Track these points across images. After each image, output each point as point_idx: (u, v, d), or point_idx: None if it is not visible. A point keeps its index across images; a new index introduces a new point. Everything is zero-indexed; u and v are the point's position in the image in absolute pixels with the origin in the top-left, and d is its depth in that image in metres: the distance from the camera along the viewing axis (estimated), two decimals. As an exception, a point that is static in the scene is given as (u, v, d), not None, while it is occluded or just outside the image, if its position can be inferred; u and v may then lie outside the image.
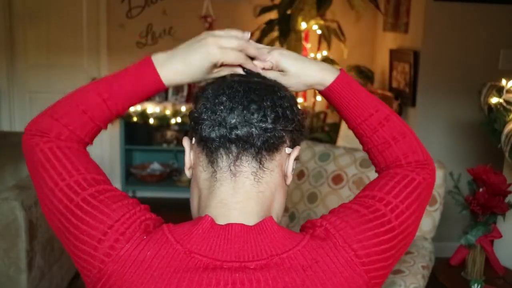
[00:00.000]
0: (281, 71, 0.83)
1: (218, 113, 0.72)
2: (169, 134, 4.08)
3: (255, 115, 0.72)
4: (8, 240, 2.06)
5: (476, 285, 1.88)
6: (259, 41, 3.34)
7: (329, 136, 3.61)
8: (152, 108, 3.79)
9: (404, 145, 0.85)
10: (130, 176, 4.17)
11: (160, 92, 0.84)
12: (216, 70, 0.81)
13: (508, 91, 1.98)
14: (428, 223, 2.21)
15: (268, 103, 0.73)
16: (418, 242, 2.19)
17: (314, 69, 0.83)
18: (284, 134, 0.75)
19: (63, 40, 4.10)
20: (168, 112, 3.81)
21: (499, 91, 2.00)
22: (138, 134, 4.10)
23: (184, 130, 4.15)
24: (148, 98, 0.85)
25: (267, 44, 3.36)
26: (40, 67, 4.14)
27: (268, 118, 0.72)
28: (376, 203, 0.77)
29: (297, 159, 0.80)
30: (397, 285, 1.88)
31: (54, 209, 0.74)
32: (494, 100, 1.99)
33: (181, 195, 4.16)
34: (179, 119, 3.88)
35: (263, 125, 0.72)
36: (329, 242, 0.71)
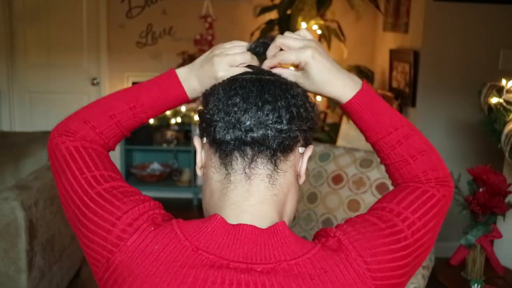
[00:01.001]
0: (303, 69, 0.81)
1: (232, 115, 0.71)
2: (169, 134, 4.08)
3: (270, 116, 0.71)
4: (8, 240, 2.06)
5: (476, 285, 1.88)
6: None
7: (329, 136, 3.62)
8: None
9: (423, 163, 0.83)
10: (130, 176, 4.17)
11: (183, 103, 0.91)
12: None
13: (508, 91, 1.98)
14: (428, 223, 2.21)
15: (283, 103, 0.72)
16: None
17: (337, 85, 0.81)
18: (298, 134, 0.74)
19: (63, 40, 4.11)
20: (168, 112, 3.81)
21: (499, 91, 2.00)
22: (138, 134, 4.08)
23: (184, 130, 4.15)
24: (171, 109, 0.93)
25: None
26: (40, 67, 4.14)
27: (283, 119, 0.71)
28: (394, 217, 0.75)
29: (310, 157, 0.78)
30: (397, 285, 1.88)
31: (70, 200, 0.77)
32: (494, 100, 1.99)
33: (181, 195, 4.13)
34: (179, 119, 3.88)
35: (278, 127, 0.71)
36: (341, 254, 0.69)
